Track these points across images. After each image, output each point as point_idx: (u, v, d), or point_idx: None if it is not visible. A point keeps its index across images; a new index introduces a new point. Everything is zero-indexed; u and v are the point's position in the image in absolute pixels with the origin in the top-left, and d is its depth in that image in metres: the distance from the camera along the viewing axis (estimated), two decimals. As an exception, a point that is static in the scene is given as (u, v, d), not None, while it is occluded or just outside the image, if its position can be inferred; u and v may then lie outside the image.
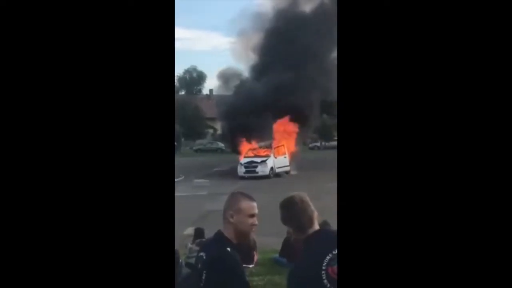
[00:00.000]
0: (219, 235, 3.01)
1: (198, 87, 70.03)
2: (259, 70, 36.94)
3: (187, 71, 69.47)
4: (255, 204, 3.05)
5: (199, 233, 9.94)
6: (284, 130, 32.89)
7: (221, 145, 50.44)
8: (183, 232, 10.49)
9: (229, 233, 2.97)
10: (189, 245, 9.64)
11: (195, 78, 69.27)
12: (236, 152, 34.48)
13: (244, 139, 33.40)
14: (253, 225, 3.00)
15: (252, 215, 2.99)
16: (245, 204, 3.01)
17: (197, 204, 18.22)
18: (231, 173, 30.56)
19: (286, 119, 32.29)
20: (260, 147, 32.10)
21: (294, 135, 33.83)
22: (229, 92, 42.71)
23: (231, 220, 2.97)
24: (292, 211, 2.95)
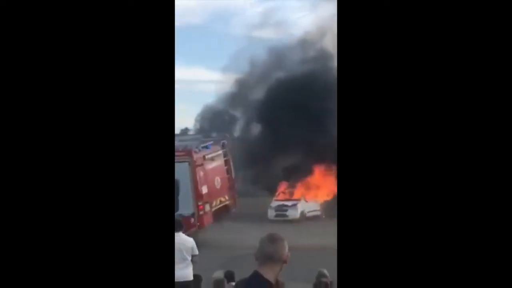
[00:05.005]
0: (257, 276, 3.05)
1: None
2: None
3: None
4: (286, 246, 3.11)
5: (229, 276, 9.79)
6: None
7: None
8: (213, 275, 10.39)
9: (266, 273, 3.01)
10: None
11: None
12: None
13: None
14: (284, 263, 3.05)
15: (286, 258, 3.05)
16: (278, 246, 3.07)
17: (226, 248, 18.10)
18: (261, 216, 30.21)
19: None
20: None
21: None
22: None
23: (269, 261, 3.02)
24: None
